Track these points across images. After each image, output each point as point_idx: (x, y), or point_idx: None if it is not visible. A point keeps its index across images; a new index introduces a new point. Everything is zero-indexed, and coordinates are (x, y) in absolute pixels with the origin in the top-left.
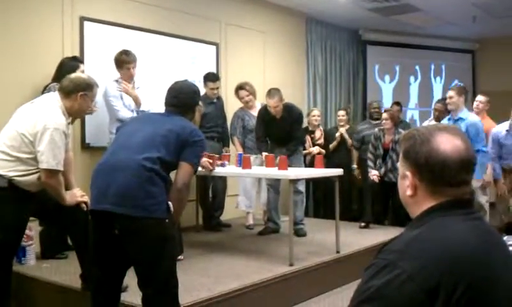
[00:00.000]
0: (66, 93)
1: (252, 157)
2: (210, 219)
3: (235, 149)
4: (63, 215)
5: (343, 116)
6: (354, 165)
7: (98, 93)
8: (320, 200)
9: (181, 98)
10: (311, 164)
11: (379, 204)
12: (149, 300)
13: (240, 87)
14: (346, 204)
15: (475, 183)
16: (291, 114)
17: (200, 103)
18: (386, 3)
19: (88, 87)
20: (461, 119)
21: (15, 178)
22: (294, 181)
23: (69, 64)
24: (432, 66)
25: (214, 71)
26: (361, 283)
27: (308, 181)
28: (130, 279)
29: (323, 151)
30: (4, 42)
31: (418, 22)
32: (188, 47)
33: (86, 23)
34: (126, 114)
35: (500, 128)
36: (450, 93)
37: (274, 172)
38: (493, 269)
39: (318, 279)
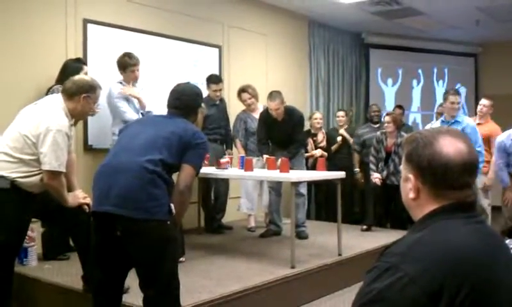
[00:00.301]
0: (69, 94)
1: (254, 160)
2: (212, 221)
3: (237, 151)
4: (65, 216)
5: (342, 116)
6: (357, 169)
7: (101, 94)
8: (322, 203)
9: (183, 100)
10: (313, 167)
11: (381, 207)
12: (150, 301)
13: (242, 90)
14: (348, 207)
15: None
16: (292, 117)
17: (203, 105)
18: (389, 7)
19: (90, 89)
20: (457, 122)
21: (17, 179)
22: (295, 184)
23: (72, 66)
24: (435, 70)
25: (217, 73)
26: (363, 285)
27: (310, 184)
28: (132, 280)
29: (325, 154)
30: (8, 44)
31: (421, 25)
32: (191, 49)
33: (89, 25)
34: (132, 115)
35: (504, 136)
36: (457, 98)
37: (275, 174)
38: (495, 272)
39: (320, 282)
